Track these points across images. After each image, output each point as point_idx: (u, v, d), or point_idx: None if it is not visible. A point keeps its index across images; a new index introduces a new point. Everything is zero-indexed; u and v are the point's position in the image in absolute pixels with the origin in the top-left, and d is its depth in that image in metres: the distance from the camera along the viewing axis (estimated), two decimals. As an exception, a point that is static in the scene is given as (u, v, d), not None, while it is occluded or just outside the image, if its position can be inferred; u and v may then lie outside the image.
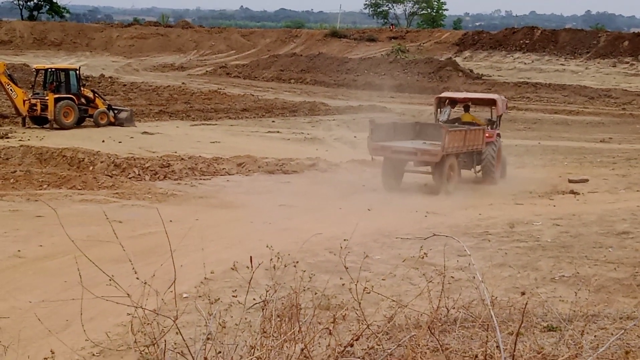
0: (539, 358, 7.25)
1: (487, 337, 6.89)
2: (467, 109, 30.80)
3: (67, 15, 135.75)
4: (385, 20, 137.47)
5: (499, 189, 28.18)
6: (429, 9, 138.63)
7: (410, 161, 28.16)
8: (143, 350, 7.17)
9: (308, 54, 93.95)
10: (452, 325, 8.90)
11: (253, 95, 65.45)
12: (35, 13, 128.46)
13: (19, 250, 17.34)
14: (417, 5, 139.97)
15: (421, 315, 8.53)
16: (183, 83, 74.55)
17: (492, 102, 31.20)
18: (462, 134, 27.77)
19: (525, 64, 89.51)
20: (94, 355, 10.45)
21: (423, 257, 8.94)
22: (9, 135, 38.12)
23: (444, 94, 33.20)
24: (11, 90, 41.51)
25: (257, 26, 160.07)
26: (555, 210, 23.96)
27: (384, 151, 27.36)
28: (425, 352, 7.23)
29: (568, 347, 7.83)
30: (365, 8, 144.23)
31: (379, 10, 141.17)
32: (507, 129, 43.11)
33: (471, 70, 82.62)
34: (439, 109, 30.54)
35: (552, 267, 16.29)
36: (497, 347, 6.68)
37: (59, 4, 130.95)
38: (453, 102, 31.16)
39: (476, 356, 6.91)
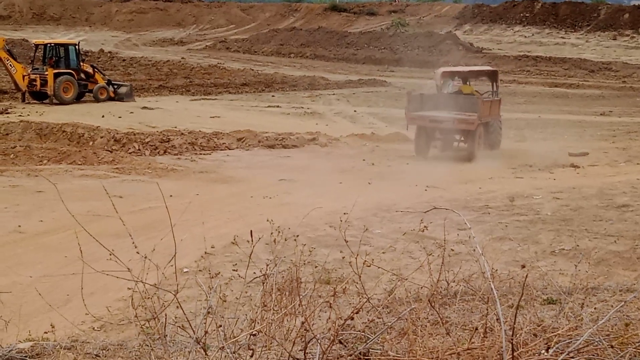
0: (539, 330, 7.26)
1: (487, 309, 6.89)
2: (465, 81, 31.35)
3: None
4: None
5: (499, 162, 28.18)
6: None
7: (446, 129, 29.06)
8: (144, 325, 7.18)
9: (308, 28, 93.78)
10: (453, 298, 8.92)
11: (253, 69, 65.34)
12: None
13: (20, 226, 17.36)
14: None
15: (421, 288, 8.53)
16: (182, 58, 74.40)
17: (494, 74, 31.72)
18: (489, 104, 29.21)
19: (525, 37, 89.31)
20: (94, 329, 10.49)
21: (423, 231, 8.95)
22: (9, 110, 38.10)
23: (447, 68, 33.78)
24: (10, 65, 41.44)
25: (256, 0, 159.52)
26: (556, 183, 23.97)
27: (421, 120, 28.62)
28: (426, 325, 7.24)
29: (568, 320, 7.84)
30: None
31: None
32: (508, 103, 43.05)
33: (471, 44, 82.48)
34: (442, 82, 30.76)
35: (552, 240, 16.32)
36: (497, 319, 6.68)
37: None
38: (458, 74, 31.74)
39: (476, 329, 6.92)
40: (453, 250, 13.83)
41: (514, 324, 6.72)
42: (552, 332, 6.93)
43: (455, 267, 10.48)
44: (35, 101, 41.85)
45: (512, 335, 6.35)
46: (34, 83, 41.47)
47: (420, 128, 29.06)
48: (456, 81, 31.44)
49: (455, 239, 13.64)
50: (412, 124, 29.10)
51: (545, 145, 32.51)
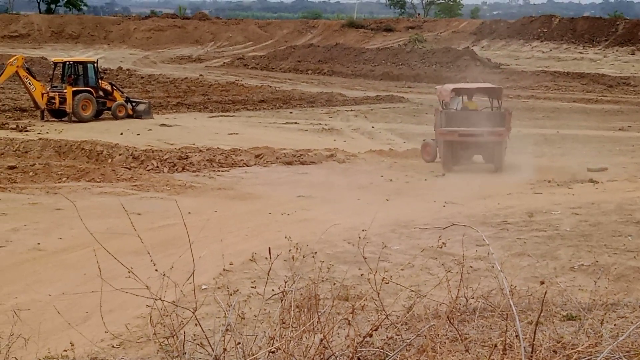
0: (559, 347, 7.24)
1: (506, 326, 6.88)
2: (470, 97, 31.96)
3: (85, 8, 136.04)
4: (403, 10, 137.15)
5: (517, 178, 28.12)
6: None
7: (475, 143, 29.73)
8: (163, 342, 7.20)
9: (325, 44, 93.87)
10: (471, 315, 8.90)
11: (270, 86, 65.45)
12: (52, 6, 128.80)
13: (39, 243, 17.41)
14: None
15: (440, 305, 8.52)
16: (200, 75, 74.61)
17: (498, 91, 32.06)
18: (510, 117, 30.14)
19: (543, 52, 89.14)
20: (113, 347, 10.48)
21: (442, 247, 8.94)
22: (28, 128, 38.29)
23: (456, 85, 34.16)
24: (30, 83, 41.65)
25: (274, 17, 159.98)
26: (574, 199, 23.86)
27: (451, 135, 29.31)
28: (445, 342, 7.23)
29: (588, 336, 7.81)
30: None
31: (396, 0, 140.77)
32: (526, 118, 43.04)
33: (489, 59, 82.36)
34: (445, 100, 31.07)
35: (572, 256, 16.23)
36: (516, 336, 6.67)
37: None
38: (465, 92, 32.14)
39: (495, 345, 6.90)
40: (472, 266, 13.80)
41: (534, 340, 6.70)
42: (572, 349, 6.90)
43: (474, 283, 10.46)
44: (54, 119, 42.04)
45: (532, 352, 6.33)
46: (53, 101, 41.66)
47: (447, 143, 29.64)
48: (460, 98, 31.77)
49: (474, 255, 13.61)
50: (442, 139, 29.63)
51: (564, 160, 32.42)
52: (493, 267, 8.86)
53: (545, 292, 7.62)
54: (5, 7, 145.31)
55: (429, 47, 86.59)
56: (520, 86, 67.41)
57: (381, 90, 64.73)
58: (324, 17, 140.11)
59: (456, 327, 7.55)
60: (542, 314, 7.44)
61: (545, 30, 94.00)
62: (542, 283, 10.75)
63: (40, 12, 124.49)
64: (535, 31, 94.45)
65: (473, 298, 9.05)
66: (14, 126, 38.69)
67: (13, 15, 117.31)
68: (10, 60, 43.63)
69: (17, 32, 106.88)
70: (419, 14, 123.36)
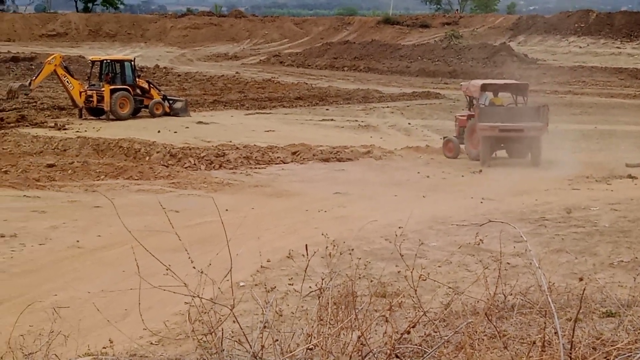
0: (598, 344, 7.19)
1: (545, 323, 6.84)
2: (496, 93, 32.17)
3: (122, 6, 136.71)
4: (439, 6, 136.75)
5: (554, 174, 27.98)
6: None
7: (515, 138, 30.30)
8: (201, 339, 7.23)
9: (361, 41, 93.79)
10: (510, 311, 8.87)
11: (306, 83, 65.49)
12: (90, 5, 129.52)
13: (78, 241, 17.52)
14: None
15: (478, 302, 8.49)
16: (237, 72, 74.78)
17: (525, 87, 32.49)
18: (548, 112, 30.39)
19: (580, 47, 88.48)
20: (152, 344, 10.54)
21: (479, 244, 8.92)
22: (66, 126, 38.53)
23: (486, 81, 34.25)
24: (68, 82, 41.93)
25: (309, 14, 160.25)
26: (613, 194, 23.71)
27: (492, 131, 29.63)
28: (483, 339, 7.21)
29: (627, 333, 7.76)
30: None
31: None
32: (564, 114, 42.74)
33: (525, 55, 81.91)
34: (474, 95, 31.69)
35: (610, 252, 16.14)
36: (555, 333, 6.63)
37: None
38: (493, 88, 32.46)
39: (534, 342, 6.87)
40: (509, 263, 13.75)
41: (573, 337, 6.66)
42: (612, 346, 6.86)
43: (512, 280, 10.42)
44: (92, 117, 42.29)
45: (571, 349, 6.30)
46: (91, 99, 41.91)
47: (487, 138, 29.94)
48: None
49: (512, 251, 13.54)
50: (483, 135, 29.82)
51: (602, 156, 32.21)
52: (531, 263, 8.82)
53: (584, 289, 7.58)
54: (43, 6, 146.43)
55: (465, 43, 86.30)
56: (558, 82, 66.99)
57: (417, 86, 64.62)
58: (359, 14, 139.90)
59: (494, 324, 7.52)
60: (581, 311, 7.41)
61: (582, 25, 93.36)
62: (581, 279, 10.68)
63: (77, 11, 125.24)
64: (572, 26, 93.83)
65: (511, 295, 9.02)
66: (53, 124, 38.96)
67: (51, 14, 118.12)
68: (49, 59, 43.96)
69: (55, 31, 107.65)
70: (457, 10, 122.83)
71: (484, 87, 31.79)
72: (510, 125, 29.91)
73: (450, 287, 9.32)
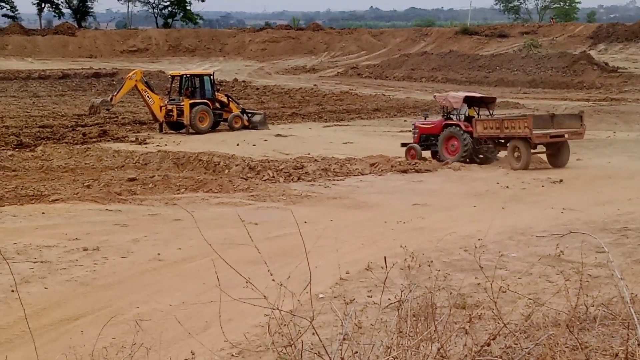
0: (683, 356, 7.07)
1: (627, 335, 6.75)
2: (470, 105, 34.17)
3: (201, 21, 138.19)
4: (517, 16, 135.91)
5: (637, 183, 27.58)
6: (561, 3, 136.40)
7: (561, 142, 31.96)
8: (281, 351, 7.25)
9: (439, 52, 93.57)
10: (592, 323, 8.75)
11: (384, 95, 65.49)
12: (169, 21, 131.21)
13: (159, 254, 17.69)
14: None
15: (559, 313, 8.40)
16: (315, 85, 75.06)
17: (493, 100, 35.35)
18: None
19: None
20: (233, 355, 10.60)
21: (560, 255, 8.82)
22: (147, 141, 39.08)
23: (468, 93, 37.64)
24: (148, 97, 42.53)
25: (387, 26, 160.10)
26: (698, 204, 23.29)
27: (544, 138, 31.25)
28: (564, 351, 7.13)
29: None
30: (496, 4, 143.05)
31: (510, 5, 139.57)
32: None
33: (606, 63, 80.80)
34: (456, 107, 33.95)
35: (696, 263, 15.84)
36: (638, 345, 6.54)
37: (192, 11, 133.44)
38: (472, 100, 34.62)
39: (617, 354, 6.78)
40: (591, 274, 13.57)
41: (656, 349, 6.56)
42: (697, 358, 6.74)
43: (593, 291, 10.30)
44: (172, 131, 42.83)
45: (655, 361, 6.20)
46: (171, 113, 42.44)
47: (526, 144, 31.15)
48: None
49: (593, 262, 13.35)
50: (537, 142, 31.05)
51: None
52: (613, 274, 8.69)
53: (668, 300, 7.47)
54: (124, 22, 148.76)
55: (544, 52, 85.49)
56: (639, 89, 66.09)
57: (496, 96, 64.16)
58: (437, 25, 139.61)
59: (576, 335, 7.44)
60: (665, 323, 7.28)
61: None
62: (665, 290, 10.51)
63: (157, 27, 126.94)
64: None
65: (593, 306, 8.90)
66: (134, 139, 39.55)
67: (131, 31, 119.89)
68: (130, 74, 44.68)
69: (135, 47, 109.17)
70: (552, 18, 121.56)
71: (465, 99, 33.89)
72: (557, 132, 31.54)
73: (530, 299, 9.22)
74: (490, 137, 32.54)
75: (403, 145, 34.48)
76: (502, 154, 32.91)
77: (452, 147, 32.97)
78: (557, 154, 32.00)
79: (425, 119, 35.92)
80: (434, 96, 37.23)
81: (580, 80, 70.54)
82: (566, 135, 31.53)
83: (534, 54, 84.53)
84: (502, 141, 32.60)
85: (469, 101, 34.19)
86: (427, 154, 33.92)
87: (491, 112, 33.88)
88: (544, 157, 32.61)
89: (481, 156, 33.21)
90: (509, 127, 31.55)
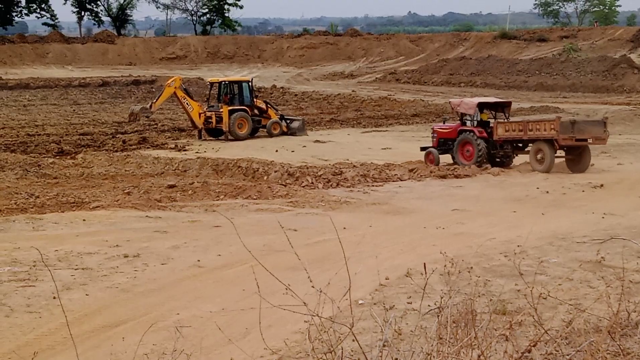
0: None
1: (670, 341, 6.69)
2: (482, 110, 34.30)
3: (239, 28, 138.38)
4: (556, 20, 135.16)
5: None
6: (600, 6, 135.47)
7: (583, 147, 32.29)
8: (321, 357, 7.26)
9: (477, 56, 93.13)
10: (634, 329, 8.69)
11: (423, 100, 65.37)
12: (208, 28, 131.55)
13: (199, 260, 17.76)
14: (588, 3, 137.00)
15: (601, 319, 8.35)
16: (353, 90, 75.05)
17: (509, 104, 35.54)
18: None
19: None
20: (273, 362, 10.62)
21: (601, 260, 8.76)
22: (186, 147, 39.25)
23: (482, 99, 36.88)
24: (187, 104, 42.72)
25: (425, 31, 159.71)
26: None
27: (570, 141, 31.50)
28: (606, 357, 7.08)
29: None
30: (535, 8, 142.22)
31: (549, 9, 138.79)
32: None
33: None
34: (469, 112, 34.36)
35: None
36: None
37: (230, 18, 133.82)
38: (487, 105, 34.87)
39: (659, 361, 6.72)
40: (632, 280, 13.47)
41: (700, 356, 6.50)
42: None
43: (635, 297, 10.22)
44: (211, 138, 42.98)
45: (698, 368, 6.14)
46: (210, 120, 42.58)
47: (550, 147, 31.56)
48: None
49: (635, 267, 13.26)
50: (564, 144, 31.46)
51: None
52: (655, 280, 8.62)
53: None
54: (163, 30, 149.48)
55: (584, 56, 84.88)
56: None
57: (535, 101, 63.91)
58: (475, 29, 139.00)
59: (618, 342, 7.39)
60: None
61: None
62: None
63: (196, 34, 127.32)
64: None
65: (635, 312, 8.84)
66: (173, 146, 39.74)
67: (170, 38, 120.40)
68: (169, 81, 44.86)
69: (174, 54, 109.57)
70: (595, 21, 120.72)
71: (479, 105, 33.97)
72: (582, 136, 31.73)
73: (571, 305, 9.16)
74: (512, 140, 32.84)
75: (422, 149, 34.63)
76: (516, 160, 33.49)
77: (467, 153, 33.32)
78: (578, 159, 32.20)
79: (444, 122, 36.12)
80: (449, 102, 37.35)
81: (621, 84, 69.98)
82: (590, 140, 31.87)
83: (573, 58, 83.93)
84: (521, 145, 33.04)
85: (485, 106, 34.50)
86: (447, 158, 34.03)
87: (507, 115, 34.12)
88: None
89: (497, 160, 33.42)
90: (533, 129, 31.98)
